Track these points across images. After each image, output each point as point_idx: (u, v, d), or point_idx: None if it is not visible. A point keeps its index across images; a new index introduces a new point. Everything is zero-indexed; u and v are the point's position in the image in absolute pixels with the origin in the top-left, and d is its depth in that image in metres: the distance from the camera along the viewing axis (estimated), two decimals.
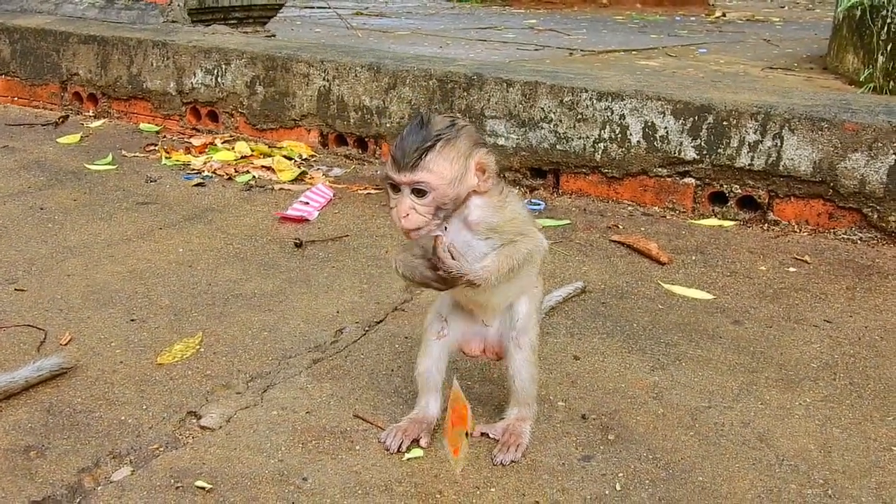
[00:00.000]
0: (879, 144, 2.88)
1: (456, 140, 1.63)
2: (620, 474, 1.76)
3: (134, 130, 4.51)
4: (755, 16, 10.53)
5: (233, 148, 4.02)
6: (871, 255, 2.90)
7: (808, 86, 5.06)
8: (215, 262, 2.81)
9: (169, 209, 3.30)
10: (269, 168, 3.76)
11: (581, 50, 6.51)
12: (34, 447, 1.81)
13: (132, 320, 2.40)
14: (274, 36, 5.18)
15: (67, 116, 4.68)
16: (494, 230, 1.71)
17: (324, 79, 3.93)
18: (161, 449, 1.82)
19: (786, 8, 12.08)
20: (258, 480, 1.72)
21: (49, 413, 1.94)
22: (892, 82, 5.04)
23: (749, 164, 3.09)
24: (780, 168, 3.04)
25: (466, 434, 1.78)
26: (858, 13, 5.50)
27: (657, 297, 2.61)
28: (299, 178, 3.67)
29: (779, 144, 3.03)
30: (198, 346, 2.25)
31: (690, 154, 3.19)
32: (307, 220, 3.20)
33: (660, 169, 3.26)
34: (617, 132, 3.31)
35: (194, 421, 1.93)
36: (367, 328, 2.38)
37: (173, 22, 4.85)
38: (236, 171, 3.76)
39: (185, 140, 4.27)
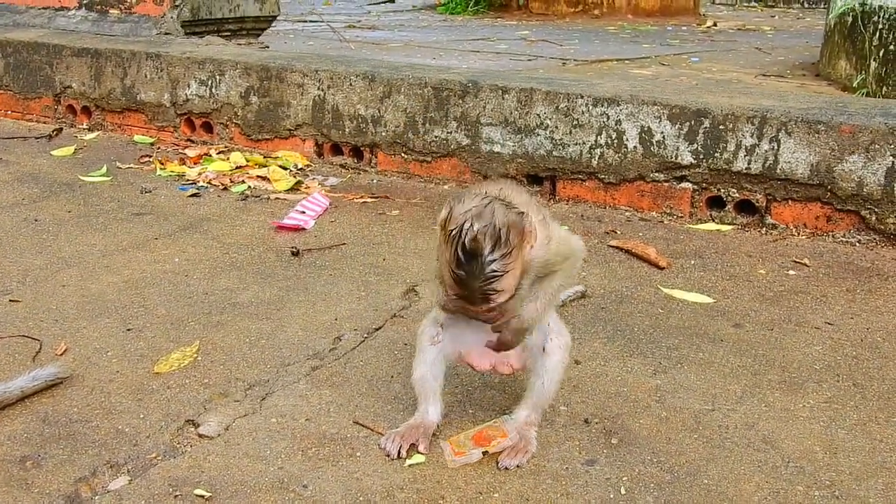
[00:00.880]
0: (876, 146, 2.88)
1: (509, 255, 1.59)
2: (625, 478, 1.74)
3: (128, 143, 4.49)
4: (746, 25, 10.57)
5: (228, 158, 4.00)
6: (870, 258, 2.90)
7: (802, 91, 5.07)
8: (211, 272, 2.79)
9: (164, 219, 3.28)
10: (264, 178, 3.75)
11: (574, 60, 6.52)
12: (30, 457, 1.78)
13: (128, 330, 2.37)
14: (267, 48, 5.18)
15: (61, 129, 4.66)
16: (545, 266, 1.73)
17: (318, 88, 3.92)
18: (159, 458, 1.80)
19: (776, 17, 12.13)
20: (258, 488, 1.70)
21: (45, 423, 1.92)
22: (885, 87, 5.06)
23: (746, 168, 3.08)
24: (778, 171, 3.03)
25: (484, 452, 1.78)
26: (850, 20, 5.53)
27: (657, 301, 2.59)
28: (295, 188, 3.65)
29: (776, 148, 3.02)
30: (195, 355, 2.23)
31: (687, 158, 3.18)
32: (303, 228, 3.19)
33: (656, 174, 3.25)
34: (613, 138, 3.31)
35: (192, 429, 1.90)
36: (365, 335, 2.36)
37: (167, 34, 4.84)
38: (232, 182, 3.74)
39: (180, 151, 4.25)
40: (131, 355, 2.23)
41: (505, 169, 3.54)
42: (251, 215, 3.36)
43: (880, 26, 5.18)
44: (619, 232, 3.16)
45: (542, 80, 3.63)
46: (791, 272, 2.79)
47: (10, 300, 2.54)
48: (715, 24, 10.44)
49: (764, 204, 3.10)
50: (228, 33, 5.16)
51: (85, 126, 4.74)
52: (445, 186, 3.70)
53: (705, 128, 3.14)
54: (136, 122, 4.56)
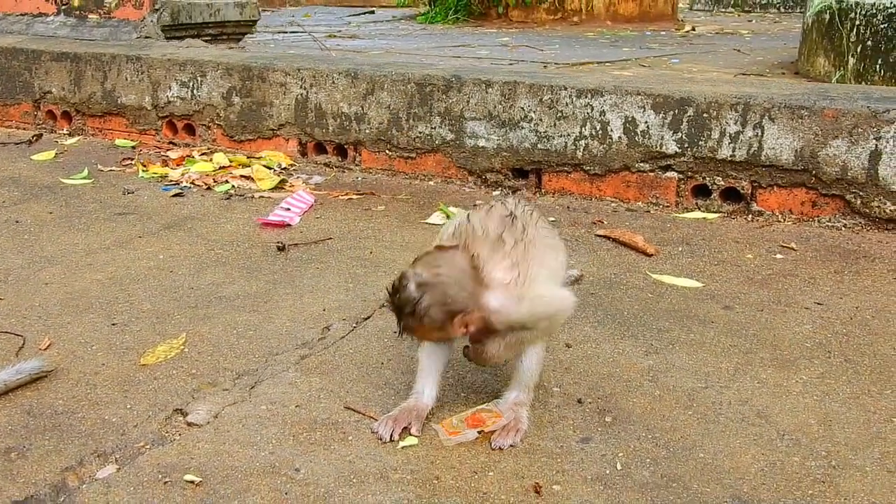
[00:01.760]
0: (860, 130, 2.89)
1: (429, 318, 1.67)
2: (620, 454, 1.73)
3: (109, 147, 4.45)
4: (724, 29, 10.64)
5: (211, 160, 3.97)
6: (856, 241, 2.90)
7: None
8: (197, 267, 2.76)
9: (148, 218, 3.25)
10: (248, 178, 3.72)
11: (555, 63, 6.53)
12: (14, 448, 1.75)
13: (113, 324, 2.34)
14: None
15: (41, 135, 4.61)
16: (518, 322, 1.72)
17: (301, 87, 3.90)
18: (147, 446, 1.76)
19: (753, 21, 12.23)
20: (249, 473, 1.67)
21: (30, 415, 1.88)
22: (863, 83, 5.10)
23: (731, 156, 3.09)
24: (762, 158, 3.04)
25: (479, 432, 1.77)
26: (827, 17, 5.57)
27: (646, 286, 2.59)
28: (279, 187, 3.63)
29: (759, 134, 3.03)
30: (182, 347, 2.20)
31: (672, 147, 3.18)
32: (289, 225, 3.16)
33: (642, 164, 3.25)
34: (598, 129, 3.31)
35: (181, 418, 1.87)
36: (354, 324, 2.34)
37: (147, 38, 4.81)
38: (215, 182, 3.71)
39: (163, 154, 4.21)
40: (117, 348, 2.19)
41: (490, 163, 3.53)
42: (235, 213, 3.33)
43: (857, 22, 5.22)
44: (605, 222, 3.15)
45: (526, 74, 3.63)
46: (778, 256, 2.79)
47: None
48: (693, 29, 10.51)
49: (749, 191, 3.11)
50: (209, 38, 5.14)
51: (65, 131, 4.69)
52: (431, 182, 3.69)
53: (689, 116, 3.14)
54: (117, 126, 4.52)
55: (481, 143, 3.54)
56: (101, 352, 2.18)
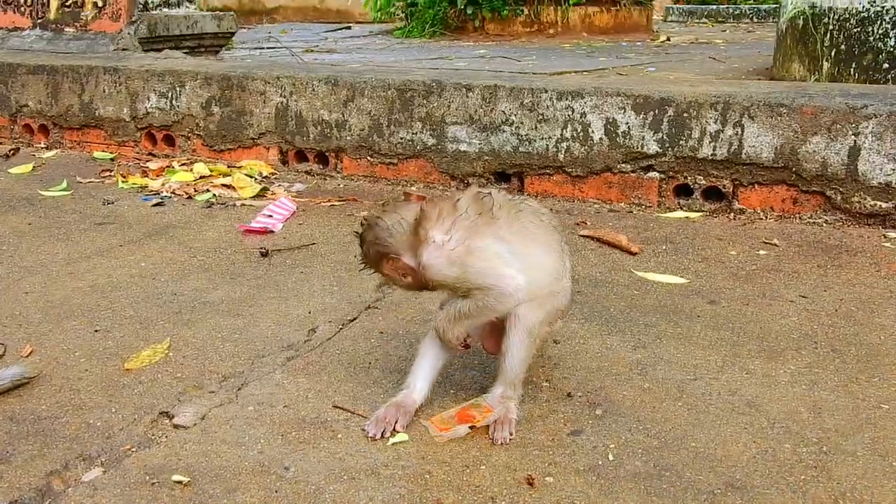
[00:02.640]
0: (838, 126, 2.92)
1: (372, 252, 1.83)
2: (612, 445, 1.72)
3: (88, 159, 4.41)
4: (699, 39, 10.75)
5: (191, 169, 3.94)
6: (837, 236, 2.93)
7: None
8: (179, 274, 2.73)
9: (128, 228, 3.22)
10: (229, 186, 3.70)
11: (533, 73, 6.55)
12: None
13: (96, 331, 2.31)
14: None
15: (18, 149, 4.57)
16: (453, 283, 1.77)
17: (281, 95, 3.89)
18: (133, 449, 1.74)
19: (727, 31, 12.36)
20: (238, 472, 1.65)
21: (12, 421, 1.84)
22: None
23: (712, 155, 3.11)
24: (743, 156, 3.06)
25: (471, 427, 1.76)
26: (801, 23, 5.64)
27: (631, 283, 2.59)
28: (261, 195, 3.61)
29: (740, 133, 3.05)
30: (166, 352, 2.17)
31: (653, 148, 3.20)
32: (271, 231, 3.14)
33: (623, 165, 3.27)
34: (579, 130, 3.32)
35: (167, 421, 1.85)
36: (340, 326, 2.32)
37: (124, 50, 4.79)
38: (196, 191, 3.68)
39: (142, 165, 4.18)
40: (100, 354, 2.16)
41: (472, 167, 3.53)
42: (217, 221, 3.31)
43: (831, 27, 5.28)
44: (589, 223, 3.16)
45: (506, 78, 3.64)
46: (762, 252, 2.81)
47: None
48: (668, 39, 10.61)
49: (731, 190, 3.13)
50: (187, 50, 5.12)
51: (43, 145, 4.65)
52: (413, 188, 3.68)
53: (669, 116, 3.16)
54: (95, 138, 4.48)
55: (463, 147, 3.54)
56: (84, 358, 2.14)
